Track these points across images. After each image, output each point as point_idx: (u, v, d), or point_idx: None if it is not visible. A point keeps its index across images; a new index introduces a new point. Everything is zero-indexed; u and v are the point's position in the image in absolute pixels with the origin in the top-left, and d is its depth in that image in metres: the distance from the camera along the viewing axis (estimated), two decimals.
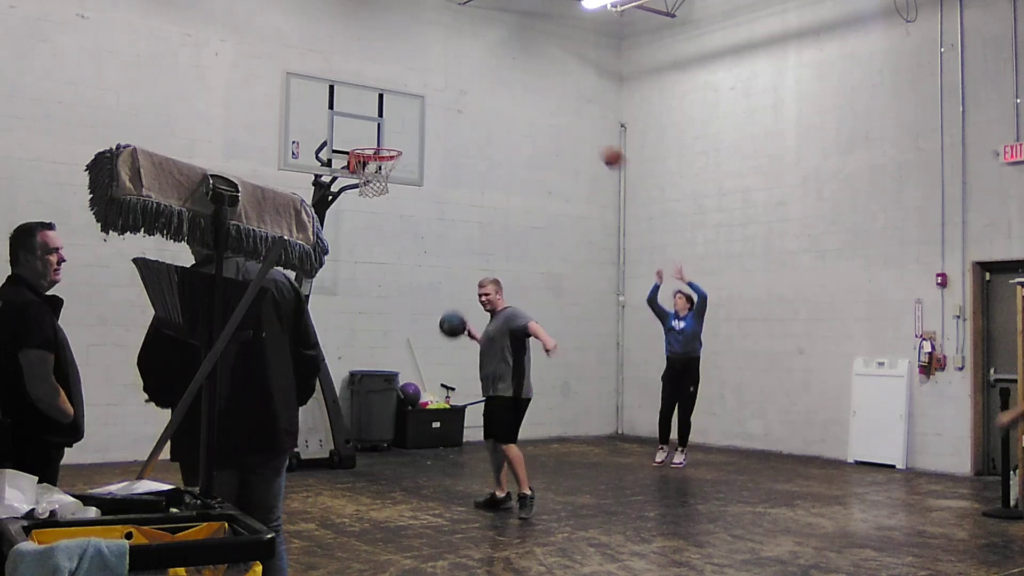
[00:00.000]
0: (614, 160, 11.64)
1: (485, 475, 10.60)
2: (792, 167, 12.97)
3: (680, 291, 11.64)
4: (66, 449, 4.58)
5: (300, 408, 4.44)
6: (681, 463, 11.38)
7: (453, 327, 8.53)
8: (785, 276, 12.94)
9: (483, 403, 8.64)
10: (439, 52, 13.70)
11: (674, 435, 11.59)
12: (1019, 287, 8.91)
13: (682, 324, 11.43)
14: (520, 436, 13.05)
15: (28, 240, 4.45)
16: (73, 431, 4.47)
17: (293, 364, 4.29)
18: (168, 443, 3.86)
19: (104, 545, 2.50)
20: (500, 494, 8.51)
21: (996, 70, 10.95)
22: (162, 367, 3.98)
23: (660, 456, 11.59)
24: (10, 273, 4.53)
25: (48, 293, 4.54)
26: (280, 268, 4.13)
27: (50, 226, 4.53)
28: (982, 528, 8.06)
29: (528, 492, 8.17)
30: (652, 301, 11.63)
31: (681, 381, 11.44)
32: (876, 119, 12.05)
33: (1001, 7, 10.95)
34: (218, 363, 3.92)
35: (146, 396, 4.12)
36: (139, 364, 4.10)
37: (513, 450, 8.21)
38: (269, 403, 4.13)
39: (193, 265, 3.98)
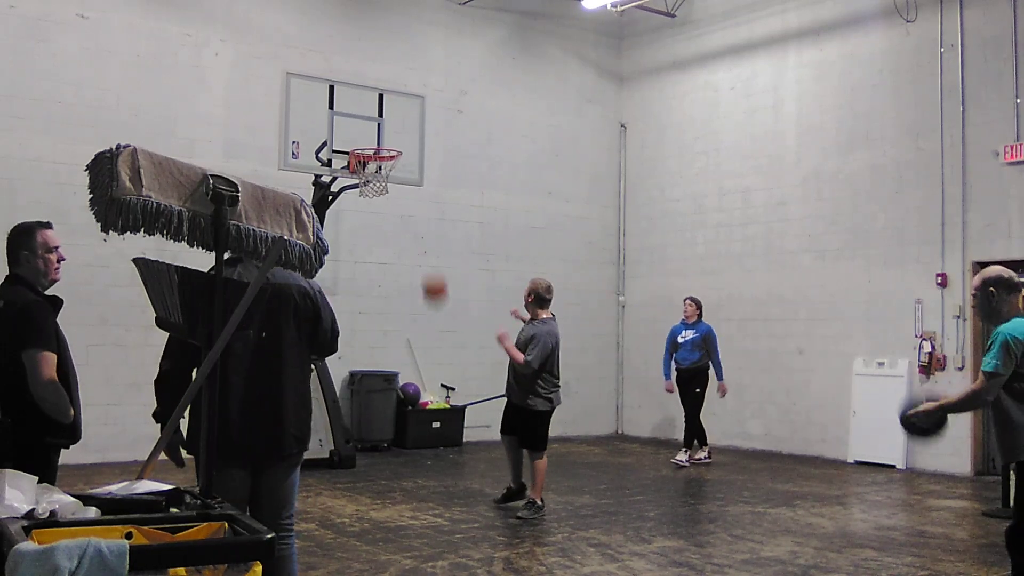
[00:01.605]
0: (436, 291, 8.98)
1: (485, 475, 10.60)
2: (792, 167, 12.97)
3: (690, 297, 11.74)
4: (66, 449, 4.57)
5: None
6: (683, 463, 11.38)
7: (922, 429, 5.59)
8: (785, 276, 12.94)
9: (496, 402, 8.65)
10: (439, 52, 13.70)
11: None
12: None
13: (690, 334, 11.53)
14: None
15: (28, 240, 4.46)
16: (72, 432, 4.48)
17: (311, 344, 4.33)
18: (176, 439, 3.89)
19: (104, 545, 2.50)
20: (514, 486, 8.55)
21: (996, 70, 10.95)
22: (178, 393, 4.03)
23: (698, 454, 11.67)
24: (8, 273, 4.53)
25: (47, 293, 4.55)
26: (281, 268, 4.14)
27: (48, 225, 4.56)
28: (982, 528, 8.06)
29: (538, 501, 8.17)
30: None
31: (687, 385, 11.54)
32: (876, 119, 12.04)
33: (1001, 7, 10.95)
34: (231, 364, 3.96)
35: (157, 420, 4.14)
36: (156, 388, 4.12)
37: (543, 459, 8.25)
38: (280, 407, 4.16)
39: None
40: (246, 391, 4.04)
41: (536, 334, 8.11)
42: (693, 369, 11.47)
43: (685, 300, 11.80)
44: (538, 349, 8.02)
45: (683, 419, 11.72)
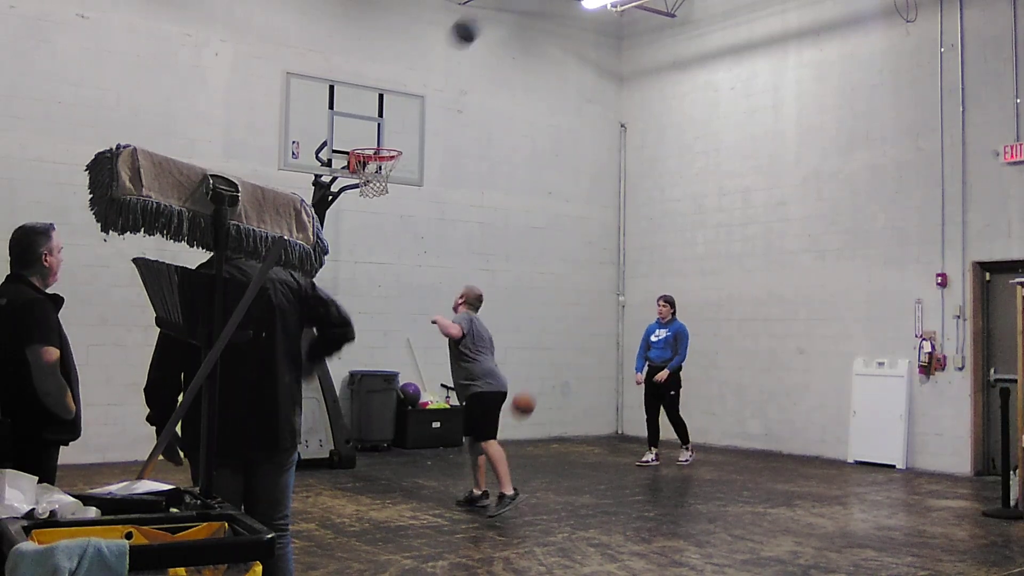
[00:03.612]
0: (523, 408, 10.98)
1: (485, 475, 10.59)
2: (792, 167, 12.97)
3: (663, 296, 11.76)
4: (66, 449, 4.60)
5: (304, 399, 4.46)
6: (686, 460, 11.41)
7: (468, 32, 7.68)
8: (785, 276, 12.93)
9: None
10: (439, 52, 13.70)
11: (672, 435, 11.66)
12: (1019, 287, 8.91)
13: (664, 333, 11.54)
14: (520, 436, 13.03)
15: (47, 240, 4.57)
16: (72, 428, 4.51)
17: (320, 339, 4.36)
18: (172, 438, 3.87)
19: (104, 545, 2.50)
20: (477, 491, 8.50)
21: (996, 70, 10.95)
22: (168, 400, 4.02)
23: (646, 456, 11.66)
24: (11, 272, 4.56)
25: (48, 291, 4.59)
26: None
27: (54, 227, 4.67)
28: (982, 528, 8.06)
29: (508, 492, 8.09)
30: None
31: (659, 387, 11.48)
32: (876, 119, 12.04)
33: (1001, 7, 10.95)
34: (221, 360, 3.93)
35: (151, 423, 4.13)
36: (146, 395, 4.11)
37: (492, 447, 8.19)
38: (273, 403, 4.13)
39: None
40: (237, 388, 3.95)
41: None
42: (661, 366, 11.44)
43: (658, 300, 11.80)
44: (460, 321, 8.48)
45: (670, 420, 11.64)
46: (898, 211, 11.75)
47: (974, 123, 11.09)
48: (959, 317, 11.12)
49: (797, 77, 13.03)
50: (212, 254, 3.55)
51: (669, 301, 11.71)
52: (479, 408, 8.33)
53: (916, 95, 11.65)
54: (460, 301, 8.78)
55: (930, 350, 11.26)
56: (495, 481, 8.26)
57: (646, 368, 11.68)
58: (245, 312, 3.37)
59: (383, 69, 12.82)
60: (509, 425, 11.29)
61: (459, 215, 13.76)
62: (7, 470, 3.13)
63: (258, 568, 2.75)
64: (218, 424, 3.79)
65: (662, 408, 11.52)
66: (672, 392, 11.45)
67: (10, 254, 4.56)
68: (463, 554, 6.79)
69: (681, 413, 11.58)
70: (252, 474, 4.16)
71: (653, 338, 11.63)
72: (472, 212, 13.89)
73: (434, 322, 8.58)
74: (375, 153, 10.95)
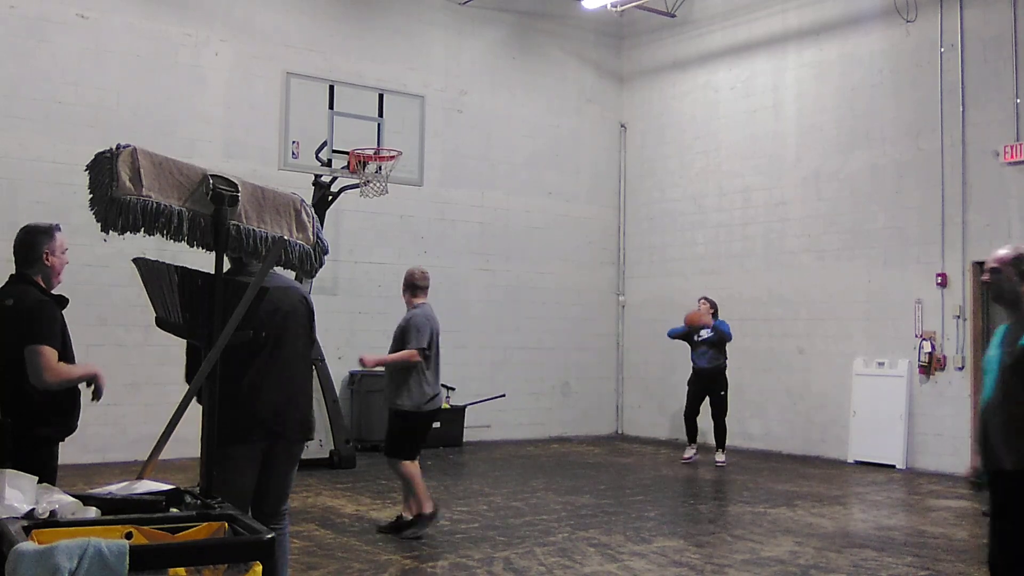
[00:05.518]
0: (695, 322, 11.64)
1: (485, 475, 10.61)
2: (792, 167, 12.96)
3: (704, 297, 11.78)
4: (66, 449, 4.60)
5: None
6: (723, 462, 11.49)
7: None
8: (785, 276, 12.93)
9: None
10: (439, 52, 13.70)
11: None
12: None
13: (706, 333, 11.55)
14: (520, 436, 13.02)
15: (50, 240, 4.57)
16: (67, 425, 4.53)
17: None
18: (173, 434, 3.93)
19: (104, 545, 2.50)
20: (407, 515, 7.37)
21: (996, 70, 10.94)
22: None
23: (688, 453, 11.82)
24: (15, 272, 4.55)
25: (53, 292, 4.60)
26: (280, 269, 4.18)
27: (59, 227, 4.68)
28: (982, 528, 8.02)
29: (426, 511, 7.24)
30: (673, 336, 11.98)
31: (708, 389, 11.62)
32: (876, 119, 12.04)
33: (1001, 7, 10.95)
34: (234, 357, 4.04)
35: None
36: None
37: (409, 467, 7.26)
38: (298, 395, 4.52)
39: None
40: (272, 377, 4.32)
41: (410, 319, 7.34)
42: (711, 370, 11.52)
43: (699, 300, 11.80)
44: (418, 332, 7.23)
45: (714, 422, 11.75)
46: (898, 211, 11.75)
47: (974, 123, 11.09)
48: (959, 317, 11.12)
49: (797, 77, 13.02)
50: (231, 261, 3.67)
51: (710, 301, 11.71)
52: (405, 423, 7.39)
53: (916, 95, 11.65)
54: (417, 300, 7.45)
55: (930, 350, 11.25)
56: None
57: (692, 374, 11.79)
58: (263, 311, 3.44)
59: (383, 69, 12.82)
60: (509, 424, 11.38)
61: (459, 215, 13.76)
62: (7, 470, 3.14)
63: (258, 568, 2.75)
64: (257, 405, 4.23)
65: (711, 407, 11.62)
66: (722, 392, 11.57)
67: (14, 255, 4.57)
68: (463, 554, 6.78)
69: (686, 412, 11.83)
70: (268, 465, 4.38)
71: (696, 338, 11.63)
72: (472, 212, 13.88)
73: (364, 363, 7.47)
74: (375, 153, 10.95)
